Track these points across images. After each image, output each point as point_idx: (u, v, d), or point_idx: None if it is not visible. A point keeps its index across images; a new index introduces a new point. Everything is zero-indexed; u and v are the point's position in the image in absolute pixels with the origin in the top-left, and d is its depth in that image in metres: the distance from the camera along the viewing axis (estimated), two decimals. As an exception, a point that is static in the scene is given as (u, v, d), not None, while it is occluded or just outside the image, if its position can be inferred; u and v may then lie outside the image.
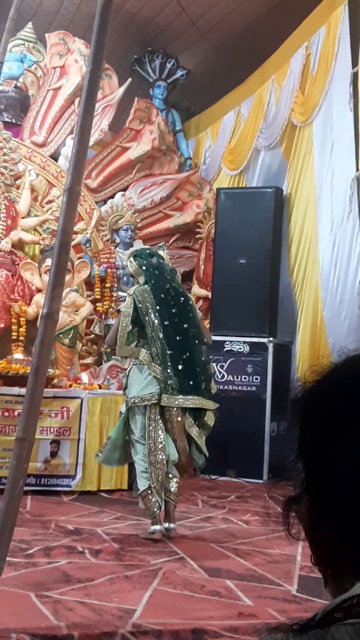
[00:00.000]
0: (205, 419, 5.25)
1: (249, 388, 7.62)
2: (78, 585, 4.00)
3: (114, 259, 8.48)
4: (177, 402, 5.13)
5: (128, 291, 5.59)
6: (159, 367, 5.13)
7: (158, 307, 5.22)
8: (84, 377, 7.36)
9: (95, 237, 8.59)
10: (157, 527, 5.06)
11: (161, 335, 5.18)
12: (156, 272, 5.37)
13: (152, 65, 9.96)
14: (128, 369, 5.39)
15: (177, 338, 5.22)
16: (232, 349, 7.71)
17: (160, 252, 5.56)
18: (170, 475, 5.15)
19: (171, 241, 9.17)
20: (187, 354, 5.23)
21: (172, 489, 5.14)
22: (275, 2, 8.62)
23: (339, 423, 0.85)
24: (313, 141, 7.79)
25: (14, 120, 8.83)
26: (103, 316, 8.33)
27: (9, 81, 8.89)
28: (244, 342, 7.68)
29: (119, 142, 9.01)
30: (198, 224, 9.13)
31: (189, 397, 5.17)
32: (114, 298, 8.38)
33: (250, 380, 7.62)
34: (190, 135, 10.20)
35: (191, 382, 5.19)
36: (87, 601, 3.74)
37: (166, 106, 9.99)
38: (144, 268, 5.36)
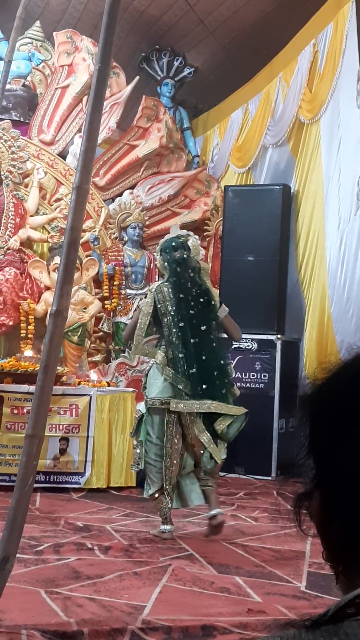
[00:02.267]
0: (219, 425, 4.94)
1: (257, 385, 7.63)
2: (87, 582, 4.01)
3: (122, 257, 8.50)
4: (187, 407, 4.89)
5: (149, 287, 5.28)
6: (171, 371, 4.93)
7: (175, 308, 4.98)
8: (93, 374, 7.38)
9: (104, 235, 8.60)
10: (168, 527, 5.00)
11: (176, 337, 4.95)
12: (178, 269, 5.07)
13: (160, 63, 9.96)
14: (148, 368, 5.21)
15: (193, 340, 4.94)
16: (240, 346, 7.70)
17: (189, 243, 5.17)
18: (203, 477, 5.04)
19: (179, 239, 9.18)
20: (204, 357, 4.96)
21: (210, 485, 5.04)
22: (282, -1, 8.62)
23: (347, 421, 0.86)
24: (320, 138, 7.78)
25: (22, 119, 8.85)
26: (111, 314, 8.35)
27: (17, 80, 8.91)
28: (252, 340, 7.67)
29: (126, 140, 9.01)
30: (206, 221, 9.13)
31: (203, 401, 4.90)
32: (122, 296, 8.41)
33: (259, 377, 7.63)
34: (197, 132, 10.19)
35: (204, 386, 4.91)
36: (97, 597, 3.75)
37: (174, 104, 9.99)
38: (166, 264, 5.11)
